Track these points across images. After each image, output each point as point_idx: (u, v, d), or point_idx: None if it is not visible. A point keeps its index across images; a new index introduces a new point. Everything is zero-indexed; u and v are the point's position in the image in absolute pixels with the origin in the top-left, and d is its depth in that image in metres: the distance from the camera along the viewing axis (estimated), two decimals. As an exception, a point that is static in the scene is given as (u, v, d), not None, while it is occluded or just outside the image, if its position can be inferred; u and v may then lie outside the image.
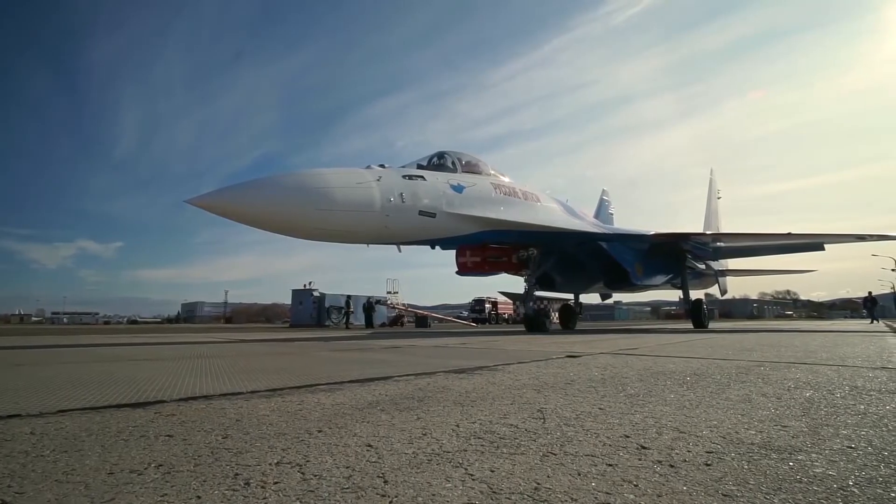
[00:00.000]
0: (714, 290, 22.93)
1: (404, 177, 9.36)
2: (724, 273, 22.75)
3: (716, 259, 18.40)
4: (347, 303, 28.04)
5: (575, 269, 15.02)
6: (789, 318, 74.45)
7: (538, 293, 18.32)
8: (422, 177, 9.68)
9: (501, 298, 37.46)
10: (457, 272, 12.79)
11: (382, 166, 9.32)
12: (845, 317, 77.29)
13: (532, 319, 13.01)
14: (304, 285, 32.00)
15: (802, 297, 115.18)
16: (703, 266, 18.32)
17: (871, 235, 13.53)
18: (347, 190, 8.31)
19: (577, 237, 13.28)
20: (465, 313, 44.37)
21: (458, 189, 10.21)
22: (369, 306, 27.67)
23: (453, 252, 12.83)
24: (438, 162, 10.62)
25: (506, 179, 11.93)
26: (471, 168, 11.14)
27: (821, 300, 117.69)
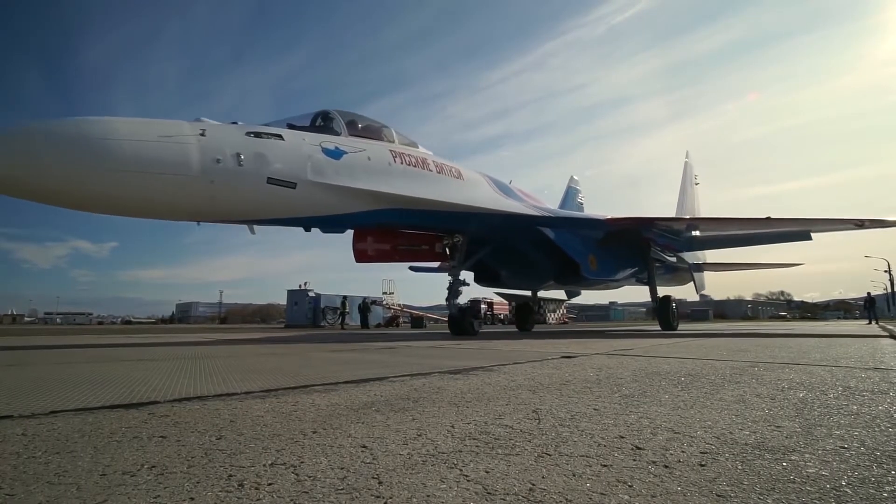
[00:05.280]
0: (689, 288, 20.41)
1: (249, 134, 7.12)
2: (701, 267, 20.46)
3: (689, 250, 16.31)
4: (343, 303, 28.00)
5: (520, 261, 13.07)
6: (783, 318, 74.92)
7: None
8: (278, 136, 7.44)
9: (497, 299, 37.48)
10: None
11: (235, 124, 7.27)
12: (838, 317, 77.89)
13: (456, 321, 10.70)
14: (300, 286, 31.94)
15: (796, 298, 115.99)
16: (674, 259, 16.10)
17: (866, 220, 11.30)
18: (145, 144, 6.06)
19: (509, 221, 11.19)
20: (460, 314, 44.30)
21: (335, 154, 8.00)
22: (365, 307, 27.66)
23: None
24: (322, 123, 8.46)
25: (419, 149, 9.88)
26: (365, 132, 8.96)
27: (814, 301, 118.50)
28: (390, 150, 8.93)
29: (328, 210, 8.21)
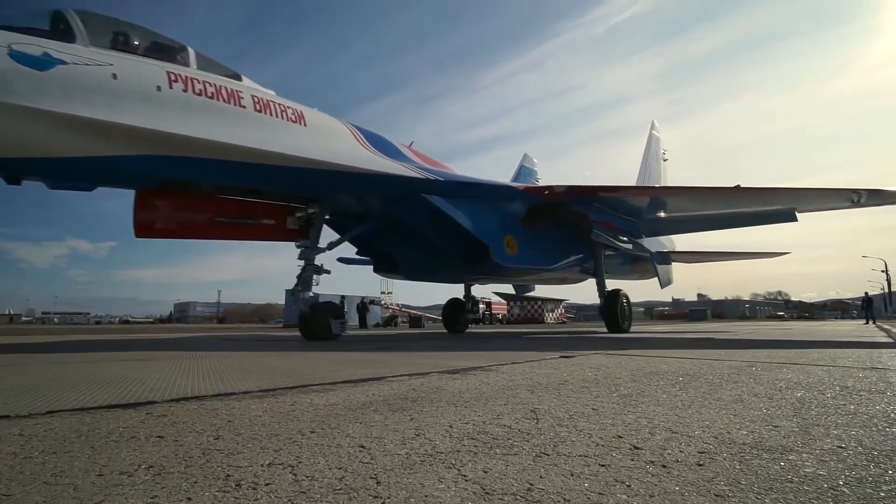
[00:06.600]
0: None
1: None
2: (668, 258, 16.72)
3: (651, 234, 13.31)
4: (341, 303, 27.96)
5: (415, 244, 10.19)
6: (780, 318, 75.15)
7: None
8: None
9: (495, 299, 37.57)
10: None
11: None
12: (836, 317, 78.18)
13: (306, 320, 8.17)
14: (298, 285, 31.90)
15: (794, 298, 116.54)
16: (629, 245, 12.44)
17: (863, 192, 8.97)
18: None
19: (378, 185, 8.26)
20: (460, 314, 44.40)
21: (39, 63, 5.20)
22: (363, 306, 27.66)
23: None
24: (61, 27, 5.61)
25: (242, 83, 6.99)
26: (133, 48, 6.10)
27: (811, 301, 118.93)
28: (167, 72, 6.04)
29: (28, 150, 5.41)
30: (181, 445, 1.40)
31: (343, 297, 29.14)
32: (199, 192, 7.35)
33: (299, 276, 8.49)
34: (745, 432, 1.55)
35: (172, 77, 6.07)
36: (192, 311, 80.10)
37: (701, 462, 1.25)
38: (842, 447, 1.38)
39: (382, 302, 31.84)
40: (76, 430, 1.58)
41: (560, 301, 41.44)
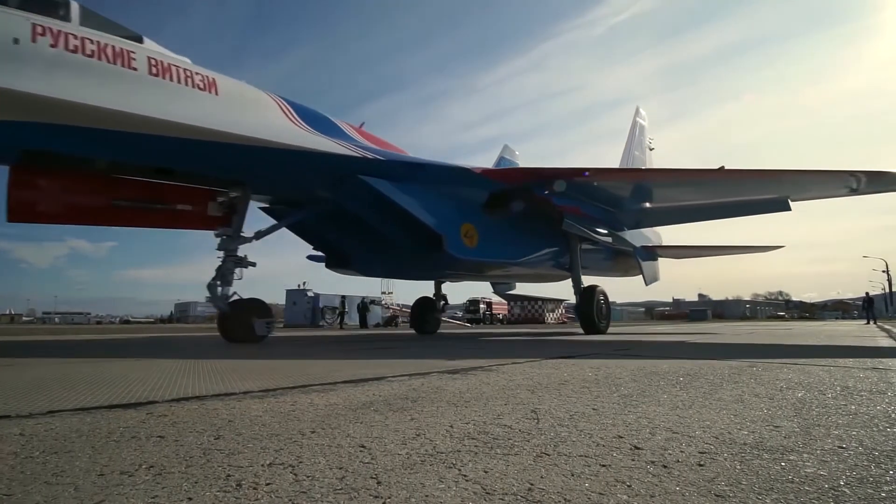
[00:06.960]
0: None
1: None
2: (653, 253, 15.05)
3: (634, 226, 12.41)
4: (342, 303, 28.01)
5: (366, 234, 9.11)
6: (781, 318, 75.14)
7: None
8: None
9: (496, 299, 37.56)
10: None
11: None
12: (836, 317, 78.17)
13: (226, 320, 7.19)
14: (299, 285, 31.89)
15: (794, 298, 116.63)
16: (608, 238, 11.15)
17: (860, 174, 8.18)
18: None
19: (308, 165, 7.19)
20: (460, 314, 44.43)
21: None
22: (363, 306, 27.66)
23: None
24: None
25: (144, 45, 5.93)
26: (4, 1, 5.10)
27: (812, 301, 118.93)
28: (32, 24, 5.10)
29: None
30: (182, 445, 1.40)
31: (343, 296, 29.16)
32: (93, 170, 6.40)
33: (218, 269, 7.31)
34: (745, 432, 1.55)
35: (39, 30, 5.12)
36: (193, 311, 79.91)
37: (702, 462, 1.25)
38: (843, 447, 1.38)
39: (383, 302, 31.84)
40: (77, 429, 1.58)
41: (561, 301, 41.42)
